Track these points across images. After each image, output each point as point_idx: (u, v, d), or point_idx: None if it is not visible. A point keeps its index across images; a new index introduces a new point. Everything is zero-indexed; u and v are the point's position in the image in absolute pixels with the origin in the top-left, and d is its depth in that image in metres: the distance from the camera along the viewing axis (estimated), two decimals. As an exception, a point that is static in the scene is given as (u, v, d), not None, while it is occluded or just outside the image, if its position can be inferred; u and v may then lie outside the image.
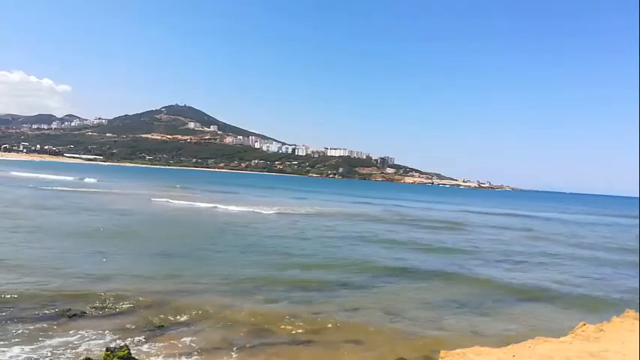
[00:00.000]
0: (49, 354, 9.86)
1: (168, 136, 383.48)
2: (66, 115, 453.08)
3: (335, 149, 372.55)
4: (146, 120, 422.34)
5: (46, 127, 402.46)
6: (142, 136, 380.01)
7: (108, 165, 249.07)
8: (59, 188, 57.66)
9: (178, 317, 12.76)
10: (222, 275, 17.95)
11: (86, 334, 11.07)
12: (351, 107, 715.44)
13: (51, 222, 28.92)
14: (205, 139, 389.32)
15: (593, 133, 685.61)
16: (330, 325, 13.00)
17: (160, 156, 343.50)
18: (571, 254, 30.75)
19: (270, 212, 45.52)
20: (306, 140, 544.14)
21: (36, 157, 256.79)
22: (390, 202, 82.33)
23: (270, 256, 22.65)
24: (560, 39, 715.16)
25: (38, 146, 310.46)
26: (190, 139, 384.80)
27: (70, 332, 11.14)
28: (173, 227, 31.93)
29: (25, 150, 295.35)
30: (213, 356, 10.52)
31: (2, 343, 10.23)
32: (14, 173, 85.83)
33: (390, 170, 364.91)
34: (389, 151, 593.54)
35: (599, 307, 17.19)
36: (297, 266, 20.78)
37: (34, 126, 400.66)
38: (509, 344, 9.73)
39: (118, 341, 10.59)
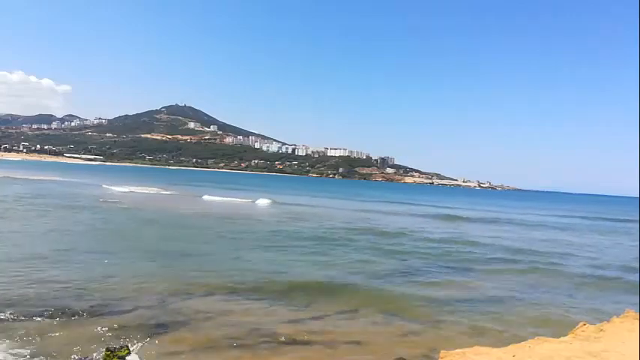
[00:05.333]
0: (49, 354, 9.86)
1: (168, 136, 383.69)
2: (66, 115, 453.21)
3: (335, 149, 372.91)
4: (146, 120, 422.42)
5: (46, 127, 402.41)
6: (142, 136, 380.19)
7: (108, 165, 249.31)
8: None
9: (178, 317, 12.75)
10: (222, 274, 17.96)
11: (86, 334, 11.06)
12: (351, 107, 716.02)
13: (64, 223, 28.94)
14: (205, 139, 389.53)
15: (594, 133, 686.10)
16: (329, 325, 13.00)
17: (160, 156, 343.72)
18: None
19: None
20: (306, 140, 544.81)
21: (36, 157, 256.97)
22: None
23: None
24: (560, 38, 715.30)
25: (38, 146, 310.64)
26: (190, 139, 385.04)
27: (70, 332, 11.14)
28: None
29: (25, 150, 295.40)
30: (214, 356, 10.53)
31: (2, 342, 10.23)
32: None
33: (390, 170, 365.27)
34: (389, 151, 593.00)
35: (599, 307, 17.21)
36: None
37: (34, 126, 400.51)
38: (509, 344, 9.74)
39: (118, 341, 10.58)
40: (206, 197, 59.38)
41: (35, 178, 76.38)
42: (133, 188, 63.32)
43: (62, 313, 12.34)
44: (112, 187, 63.21)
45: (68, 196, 47.95)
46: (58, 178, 79.46)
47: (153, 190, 66.51)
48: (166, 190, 68.25)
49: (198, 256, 21.81)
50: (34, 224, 27.34)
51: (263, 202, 59.05)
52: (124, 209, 39.41)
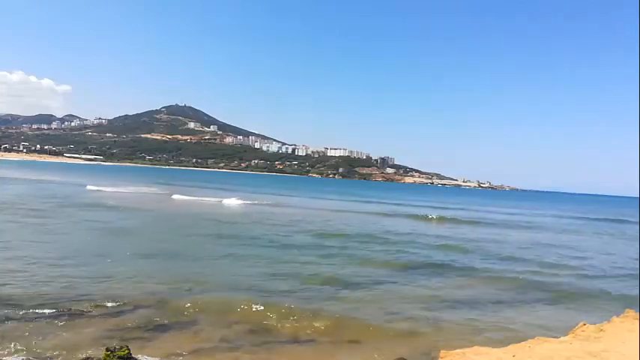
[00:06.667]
0: (49, 354, 9.86)
1: (168, 136, 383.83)
2: (66, 115, 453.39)
3: (335, 149, 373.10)
4: (146, 120, 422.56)
5: (46, 127, 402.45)
6: (142, 136, 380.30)
7: (107, 165, 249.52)
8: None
9: (178, 317, 12.75)
10: (222, 274, 17.96)
11: (86, 334, 11.06)
12: (351, 107, 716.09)
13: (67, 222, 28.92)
14: (205, 139, 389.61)
15: (594, 133, 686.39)
16: (330, 325, 12.98)
17: (160, 156, 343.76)
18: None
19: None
20: (306, 140, 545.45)
21: (36, 157, 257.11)
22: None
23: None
24: (560, 39, 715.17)
25: (38, 146, 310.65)
26: (190, 139, 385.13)
27: (70, 332, 11.14)
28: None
29: (25, 150, 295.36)
30: (214, 356, 10.53)
31: (2, 342, 10.23)
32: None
33: (390, 170, 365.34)
34: (389, 151, 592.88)
35: (599, 307, 17.20)
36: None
37: (34, 126, 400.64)
38: (509, 344, 9.74)
39: (118, 341, 10.58)
40: (175, 197, 58.18)
41: (21, 177, 76.78)
42: (106, 188, 61.97)
43: (62, 313, 12.34)
44: (90, 187, 61.92)
45: (42, 195, 47.69)
46: (42, 178, 79.51)
47: (130, 189, 65.14)
48: (145, 190, 67.39)
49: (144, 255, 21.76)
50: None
51: (232, 202, 57.06)
52: (84, 208, 38.52)
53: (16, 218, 29.13)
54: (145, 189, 69.27)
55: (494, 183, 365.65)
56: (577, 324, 10.78)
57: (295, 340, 11.77)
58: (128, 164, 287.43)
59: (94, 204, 41.77)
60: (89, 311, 12.66)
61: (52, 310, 12.42)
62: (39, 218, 30.10)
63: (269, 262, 21.33)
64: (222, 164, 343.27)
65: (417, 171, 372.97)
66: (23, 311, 12.21)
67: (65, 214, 33.17)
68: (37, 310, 12.34)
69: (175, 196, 58.33)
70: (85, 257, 19.30)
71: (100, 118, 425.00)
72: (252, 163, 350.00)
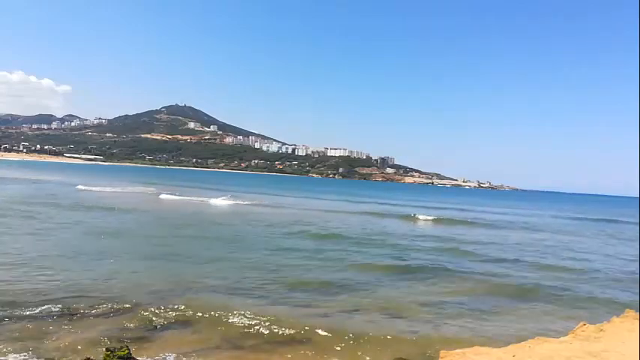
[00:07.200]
0: (49, 354, 9.86)
1: (168, 136, 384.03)
2: (66, 115, 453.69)
3: (335, 149, 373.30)
4: (146, 120, 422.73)
5: (46, 127, 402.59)
6: (142, 136, 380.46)
7: (107, 165, 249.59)
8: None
9: (178, 317, 12.75)
10: (220, 275, 17.96)
11: (86, 334, 11.06)
12: (351, 107, 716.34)
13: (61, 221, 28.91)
14: (205, 139, 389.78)
15: (595, 132, 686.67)
16: (329, 325, 12.97)
17: (160, 156, 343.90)
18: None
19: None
20: (306, 140, 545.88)
21: (36, 157, 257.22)
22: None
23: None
24: (560, 39, 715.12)
25: (38, 146, 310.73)
26: (190, 139, 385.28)
27: (70, 332, 11.14)
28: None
29: (25, 150, 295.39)
30: (214, 356, 10.53)
31: (2, 342, 10.23)
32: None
33: (390, 170, 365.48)
34: (389, 151, 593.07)
35: (599, 307, 17.19)
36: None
37: (34, 126, 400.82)
38: (509, 344, 9.74)
39: (118, 341, 10.58)
40: (162, 196, 57.84)
41: (21, 177, 76.87)
42: (95, 188, 61.67)
43: (62, 313, 12.34)
44: (80, 187, 61.66)
45: (36, 195, 47.70)
46: (40, 178, 79.32)
47: (119, 189, 64.66)
48: (135, 189, 67.20)
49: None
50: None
51: (221, 202, 56.25)
52: (73, 208, 38.28)
53: (6, 220, 29.08)
54: (139, 188, 69.15)
55: (495, 183, 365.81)
56: (577, 324, 10.78)
57: (295, 341, 11.76)
58: (128, 164, 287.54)
59: (79, 204, 41.18)
60: (89, 311, 12.67)
61: (51, 311, 12.43)
62: (29, 219, 29.91)
63: (266, 263, 21.30)
64: (222, 164, 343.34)
65: (416, 171, 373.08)
66: (22, 311, 12.22)
67: (51, 214, 32.82)
68: (36, 311, 12.35)
69: (163, 196, 58.18)
70: (77, 257, 19.32)
71: (100, 118, 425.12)
72: (252, 163, 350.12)
